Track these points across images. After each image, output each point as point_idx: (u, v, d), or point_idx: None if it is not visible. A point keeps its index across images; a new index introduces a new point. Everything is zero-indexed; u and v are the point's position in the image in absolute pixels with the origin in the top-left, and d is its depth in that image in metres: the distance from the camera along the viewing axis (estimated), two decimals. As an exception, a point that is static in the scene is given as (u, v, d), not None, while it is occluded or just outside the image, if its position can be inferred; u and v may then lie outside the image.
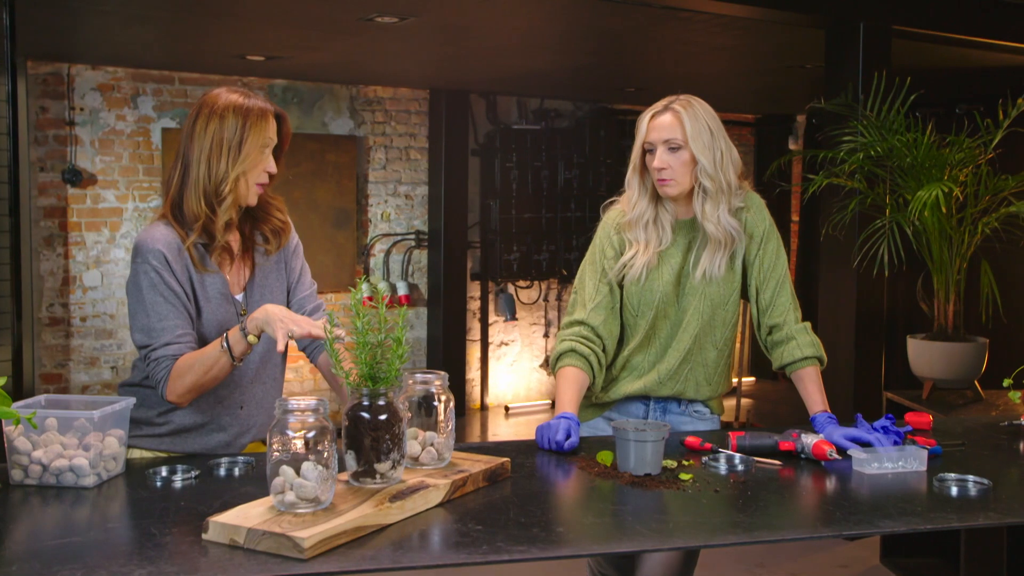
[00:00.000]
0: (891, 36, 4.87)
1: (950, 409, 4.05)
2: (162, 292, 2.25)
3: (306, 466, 1.75)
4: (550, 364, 2.63)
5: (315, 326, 2.14)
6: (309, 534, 1.62)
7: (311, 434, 1.76)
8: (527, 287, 8.38)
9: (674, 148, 2.50)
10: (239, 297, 2.39)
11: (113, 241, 6.66)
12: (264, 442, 2.48)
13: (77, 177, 6.47)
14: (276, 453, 1.77)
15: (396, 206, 7.80)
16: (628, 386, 2.63)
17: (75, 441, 2.06)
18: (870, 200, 4.28)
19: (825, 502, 2.01)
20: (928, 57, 5.75)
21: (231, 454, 2.36)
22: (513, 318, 8.24)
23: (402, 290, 7.74)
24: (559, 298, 8.60)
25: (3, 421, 2.02)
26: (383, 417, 1.89)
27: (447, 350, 7.77)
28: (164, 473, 2.10)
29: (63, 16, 4.98)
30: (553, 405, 8.46)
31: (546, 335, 8.54)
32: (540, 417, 8.22)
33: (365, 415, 1.89)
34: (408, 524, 1.80)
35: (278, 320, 2.13)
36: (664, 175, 2.52)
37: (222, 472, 2.16)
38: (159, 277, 2.25)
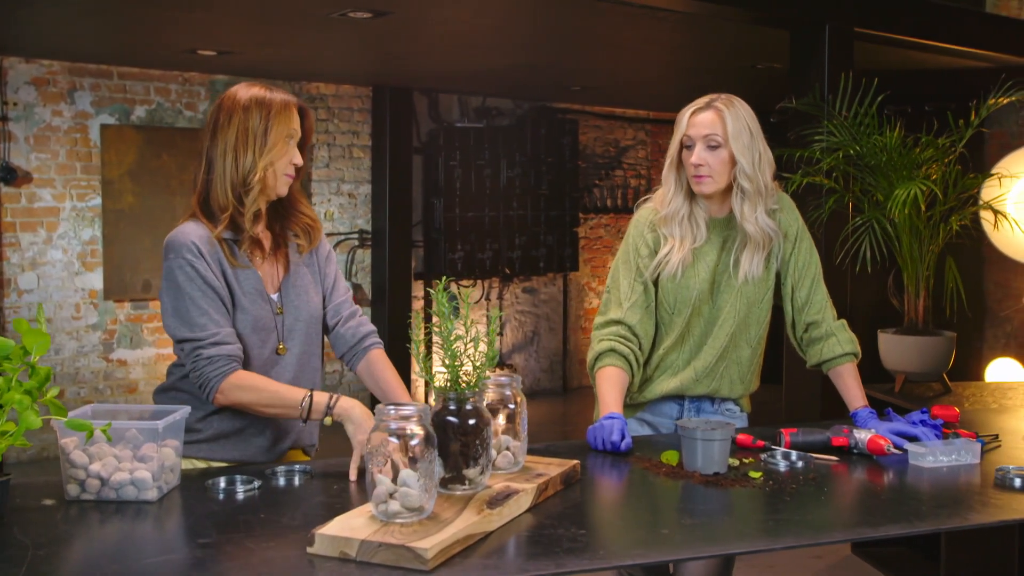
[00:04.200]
0: (853, 38, 4.99)
1: (923, 401, 4.17)
2: (199, 286, 2.19)
3: (408, 475, 1.69)
4: (587, 364, 2.61)
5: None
6: (430, 544, 1.57)
7: (415, 442, 1.70)
8: (470, 286, 8.34)
9: (713, 146, 2.51)
10: (275, 296, 2.32)
11: (50, 242, 6.39)
12: (304, 451, 2.41)
13: (11, 175, 6.19)
14: (379, 461, 1.70)
15: (339, 205, 7.68)
16: (663, 385, 2.62)
17: (129, 453, 1.96)
18: (847, 199, 4.38)
19: (907, 496, 2.03)
20: (874, 58, 5.91)
21: (271, 461, 2.28)
22: (456, 317, 8.18)
23: (346, 290, 7.62)
24: (500, 297, 8.59)
25: (59, 434, 1.91)
26: (472, 422, 1.85)
27: (391, 350, 7.63)
28: (223, 484, 2.02)
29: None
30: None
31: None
32: (485, 416, 8.18)
33: (453, 420, 1.85)
34: (504, 531, 1.76)
35: (362, 432, 2.13)
36: (701, 171, 2.52)
37: (281, 481, 2.08)
38: (194, 271, 2.19)
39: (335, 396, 2.19)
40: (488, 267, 8.27)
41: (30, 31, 5.43)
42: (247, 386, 2.18)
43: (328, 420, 2.19)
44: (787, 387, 5.24)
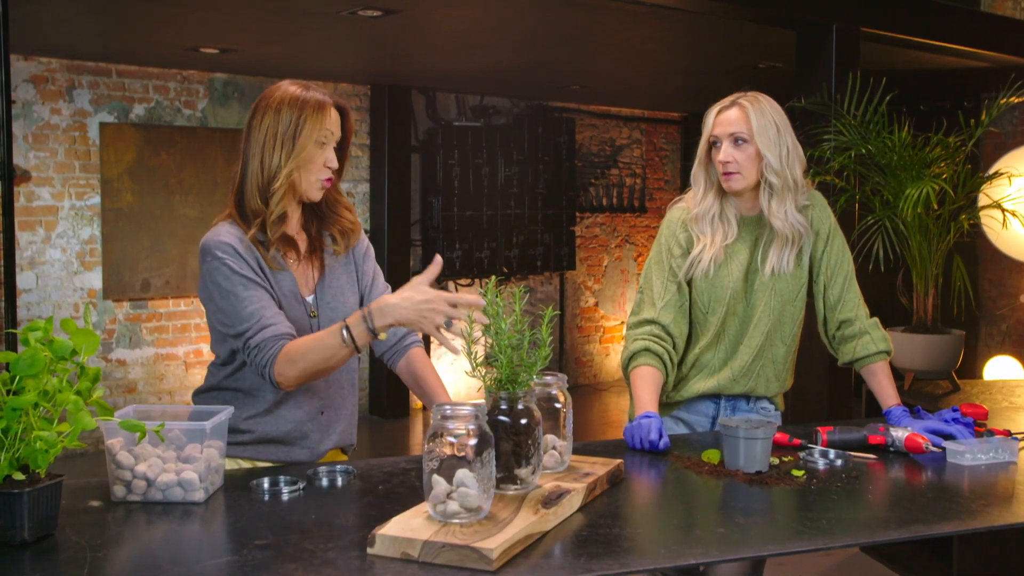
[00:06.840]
0: (860, 38, 5.01)
1: (933, 399, 4.19)
2: (239, 280, 2.15)
3: (465, 475, 1.68)
4: (621, 363, 2.61)
5: (453, 301, 2.03)
6: (495, 544, 1.56)
7: (473, 442, 1.69)
8: (468, 285, 8.32)
9: (739, 142, 2.52)
10: (309, 299, 2.30)
11: (49, 241, 6.34)
12: (344, 450, 2.40)
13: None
14: (435, 461, 1.70)
15: (338, 204, 7.64)
16: (699, 384, 2.63)
17: (173, 454, 1.95)
18: (858, 197, 4.40)
19: (952, 494, 2.03)
20: (875, 58, 5.93)
21: (313, 462, 2.27)
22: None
23: (344, 289, 7.60)
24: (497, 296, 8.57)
25: (105, 435, 1.90)
26: (524, 421, 1.85)
27: (390, 350, 7.66)
28: (267, 485, 2.01)
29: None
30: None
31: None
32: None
33: (506, 419, 1.84)
34: (559, 531, 1.75)
35: (420, 319, 2.02)
36: (729, 168, 2.53)
37: (324, 482, 2.06)
38: (230, 269, 2.16)
39: (364, 310, 2.07)
40: (486, 266, 8.25)
41: (29, 28, 5.38)
42: (295, 356, 2.09)
43: (383, 336, 2.07)
44: (792, 387, 5.25)
